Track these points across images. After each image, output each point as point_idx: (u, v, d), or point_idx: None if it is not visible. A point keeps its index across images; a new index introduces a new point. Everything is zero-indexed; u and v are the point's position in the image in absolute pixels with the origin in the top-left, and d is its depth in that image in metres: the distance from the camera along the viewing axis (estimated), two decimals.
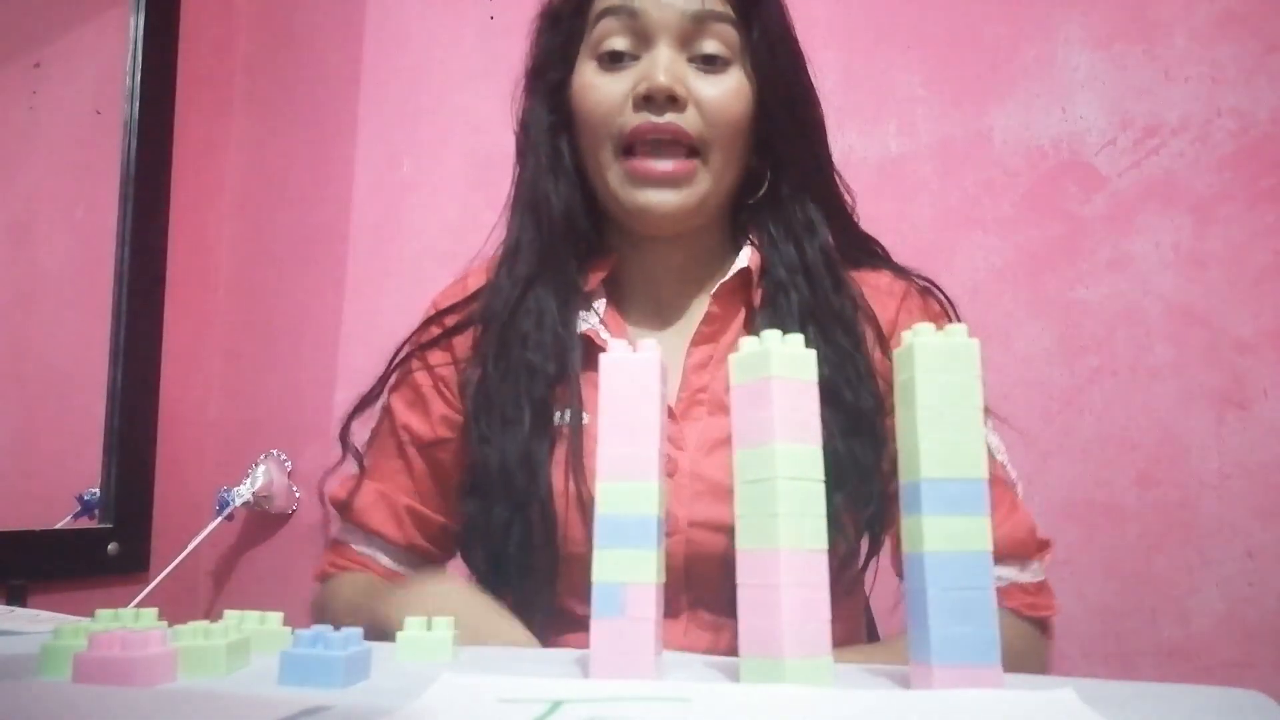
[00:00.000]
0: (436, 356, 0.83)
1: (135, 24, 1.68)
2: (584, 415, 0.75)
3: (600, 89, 0.77)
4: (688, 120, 0.75)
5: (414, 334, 0.85)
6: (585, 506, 0.72)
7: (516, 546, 0.73)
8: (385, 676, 0.43)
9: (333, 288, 1.70)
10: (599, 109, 0.76)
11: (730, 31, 0.76)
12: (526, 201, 0.82)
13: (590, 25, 0.78)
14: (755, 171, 0.81)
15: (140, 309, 1.64)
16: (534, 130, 0.82)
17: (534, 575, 0.73)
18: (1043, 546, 0.80)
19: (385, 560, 0.82)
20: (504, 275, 0.81)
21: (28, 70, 1.66)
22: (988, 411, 0.80)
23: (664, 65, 0.74)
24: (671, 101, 0.74)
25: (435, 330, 0.84)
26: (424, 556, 0.83)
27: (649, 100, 0.74)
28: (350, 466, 0.84)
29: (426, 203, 1.63)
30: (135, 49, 1.67)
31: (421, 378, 0.83)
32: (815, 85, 0.82)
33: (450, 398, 0.82)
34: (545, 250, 0.79)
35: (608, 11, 0.77)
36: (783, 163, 0.80)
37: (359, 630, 0.43)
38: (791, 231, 0.80)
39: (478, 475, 0.76)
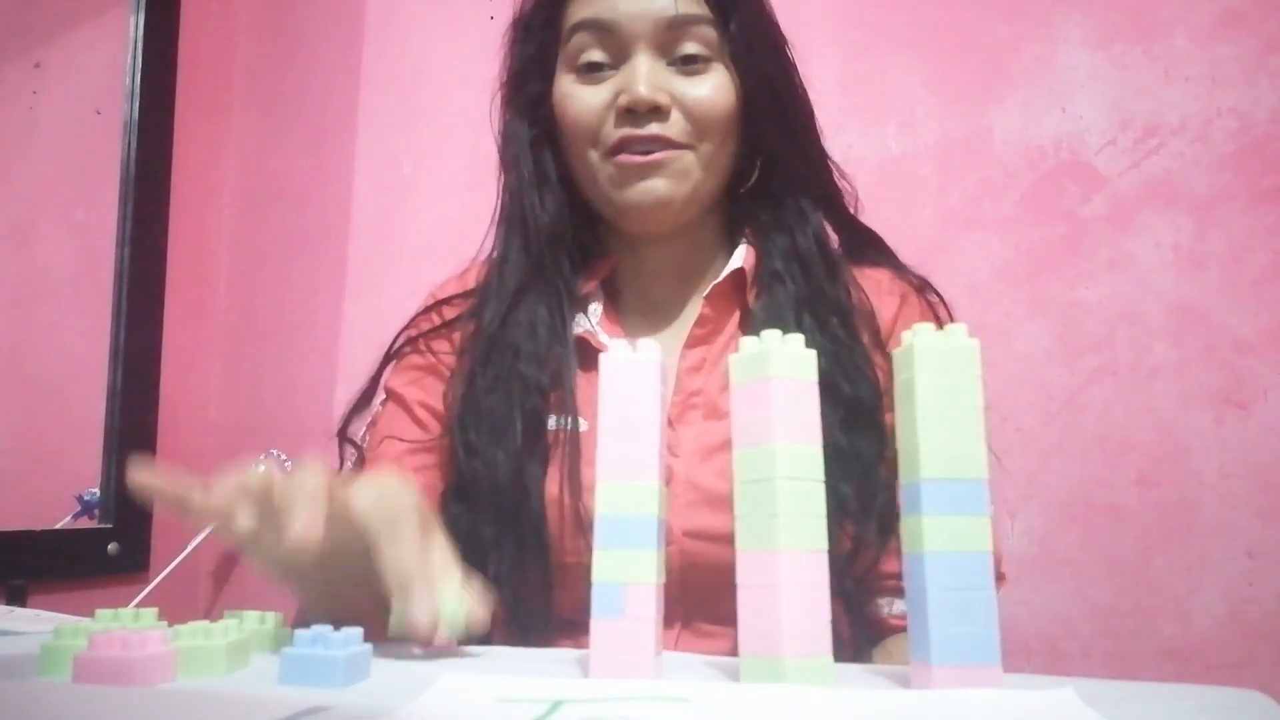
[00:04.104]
0: (438, 344, 0.82)
1: (135, 24, 1.68)
2: (581, 422, 0.74)
3: (580, 99, 0.76)
4: (672, 127, 0.74)
5: (411, 322, 0.84)
6: (581, 518, 0.70)
7: (508, 560, 0.72)
8: (385, 676, 0.43)
9: (333, 288, 1.70)
10: (581, 120, 0.76)
11: (708, 30, 0.75)
12: (512, 216, 0.81)
13: (564, 39, 0.77)
14: (745, 163, 0.80)
15: (140, 309, 1.64)
16: (514, 144, 0.81)
17: (527, 587, 0.72)
18: (999, 580, 0.78)
19: None
20: (493, 287, 0.80)
21: (28, 70, 1.66)
22: None
23: (643, 77, 0.73)
24: (654, 112, 0.74)
25: (435, 318, 0.83)
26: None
27: (631, 112, 0.74)
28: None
29: (426, 203, 1.63)
30: (135, 49, 1.67)
31: (426, 360, 0.81)
32: (805, 79, 0.81)
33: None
34: (534, 263, 0.78)
35: (580, 26, 0.76)
36: (771, 156, 0.79)
37: (359, 630, 0.43)
38: (783, 223, 0.80)
39: (464, 484, 0.74)
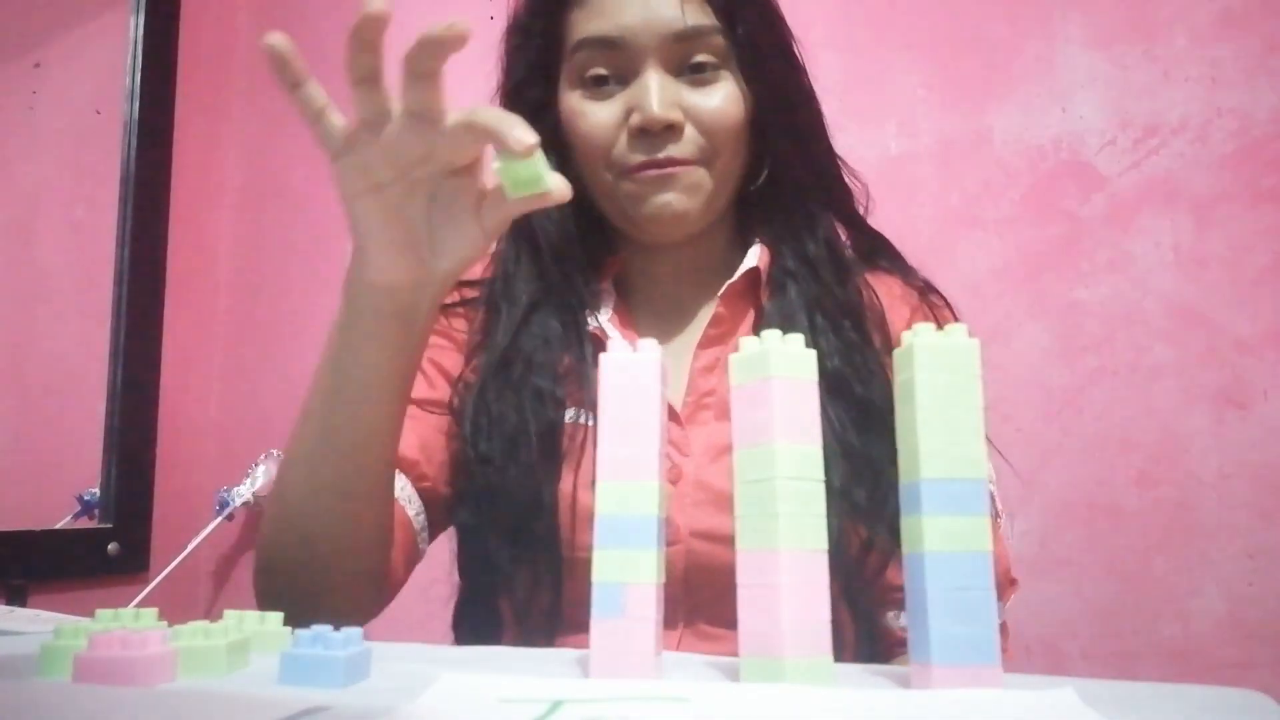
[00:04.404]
0: (454, 319, 0.81)
1: (135, 24, 1.68)
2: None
3: (590, 116, 0.74)
4: (685, 145, 0.73)
5: None
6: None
7: (520, 567, 0.71)
8: (385, 676, 0.43)
9: (333, 288, 1.69)
10: (593, 139, 0.74)
11: (717, 39, 0.73)
12: (519, 227, 0.79)
13: (568, 54, 0.75)
14: (757, 162, 0.79)
15: (140, 309, 1.64)
16: None
17: (539, 586, 0.71)
18: (1011, 585, 0.78)
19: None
20: (501, 298, 0.79)
21: (28, 70, 1.66)
22: (988, 441, 0.79)
23: (655, 94, 0.71)
24: (668, 130, 0.72)
25: (455, 295, 0.81)
26: (437, 506, 0.76)
27: (644, 132, 0.72)
28: None
29: None
30: (135, 49, 1.68)
31: (442, 327, 0.80)
32: (813, 82, 0.81)
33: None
34: (545, 274, 0.78)
35: (586, 43, 0.74)
36: (781, 160, 0.79)
37: (359, 630, 0.43)
38: (794, 223, 0.79)
39: (476, 489, 0.74)
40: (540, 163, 0.51)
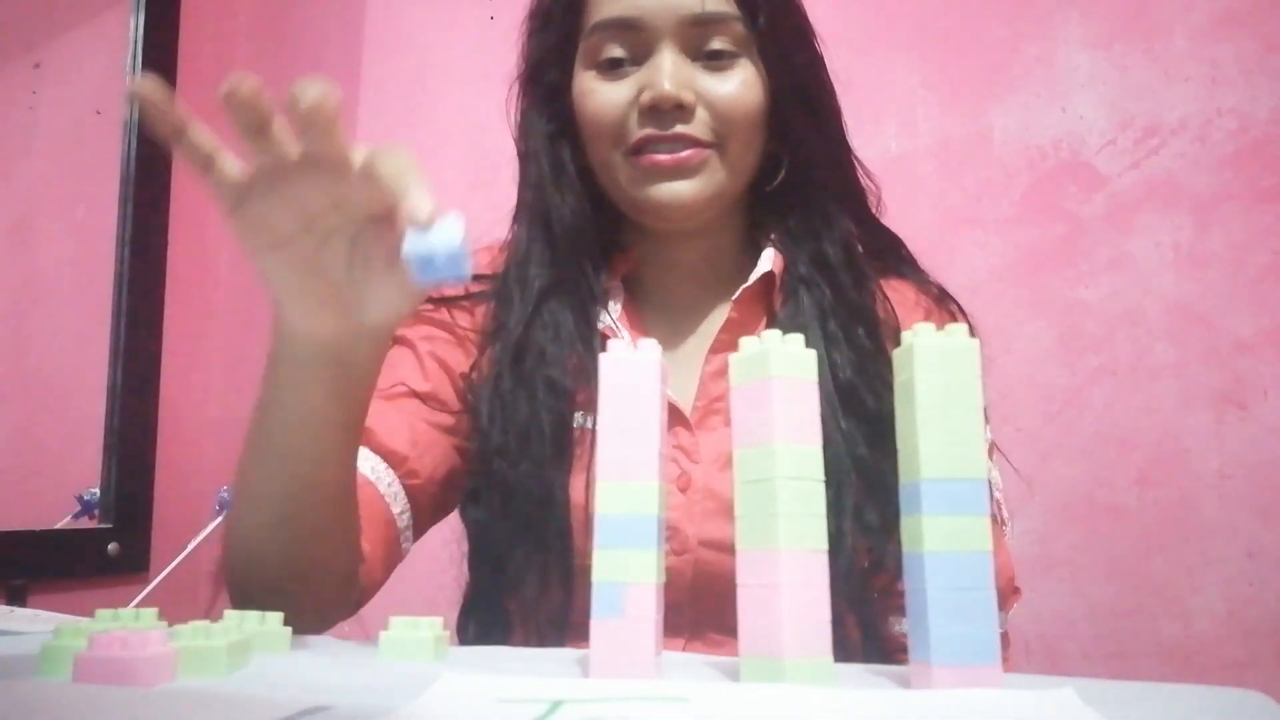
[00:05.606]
0: (459, 314, 0.79)
1: (135, 24, 1.68)
2: None
3: (600, 95, 0.73)
4: (696, 126, 0.72)
5: None
6: None
7: (531, 563, 0.71)
8: (385, 677, 0.43)
9: None
10: (601, 117, 0.73)
11: (736, 27, 0.72)
12: (533, 211, 0.79)
13: (585, 36, 0.75)
14: (773, 159, 0.78)
15: (140, 309, 1.64)
16: (533, 138, 0.79)
17: (547, 589, 0.70)
18: (1014, 594, 0.77)
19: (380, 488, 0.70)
20: (514, 283, 0.78)
21: (28, 70, 1.66)
22: (993, 447, 0.77)
23: (668, 73, 0.70)
24: (678, 109, 0.71)
25: (460, 289, 0.80)
26: (425, 506, 0.74)
27: (654, 110, 0.71)
28: None
29: None
30: (135, 49, 1.68)
31: (446, 321, 0.79)
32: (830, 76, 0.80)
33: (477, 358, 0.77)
34: (558, 261, 0.77)
35: (602, 25, 0.73)
36: (799, 154, 0.77)
37: (458, 220, 0.43)
38: (810, 226, 0.77)
39: (485, 483, 0.73)
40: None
